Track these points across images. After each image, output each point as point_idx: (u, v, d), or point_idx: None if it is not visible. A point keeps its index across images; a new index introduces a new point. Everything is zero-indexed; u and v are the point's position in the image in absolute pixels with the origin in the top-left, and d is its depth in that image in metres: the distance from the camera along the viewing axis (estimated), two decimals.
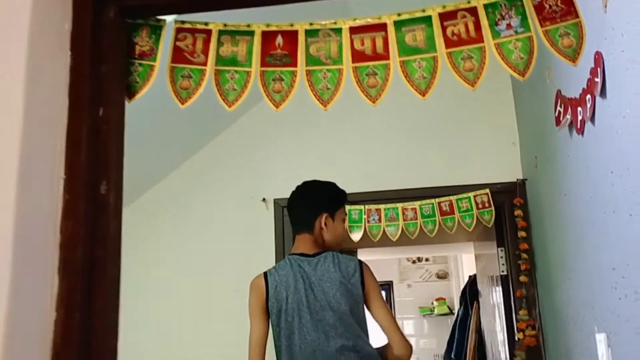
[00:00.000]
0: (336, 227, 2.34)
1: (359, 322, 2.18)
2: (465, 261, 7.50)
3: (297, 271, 2.21)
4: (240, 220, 3.69)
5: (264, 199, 3.66)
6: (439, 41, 1.37)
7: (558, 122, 2.50)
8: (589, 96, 2.12)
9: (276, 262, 3.53)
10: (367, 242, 3.52)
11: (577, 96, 2.25)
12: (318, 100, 1.41)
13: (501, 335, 3.68)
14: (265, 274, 2.29)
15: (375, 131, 3.73)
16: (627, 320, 1.81)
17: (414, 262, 9.08)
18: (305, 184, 2.41)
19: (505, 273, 3.46)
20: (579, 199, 2.32)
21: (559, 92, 2.49)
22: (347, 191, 2.45)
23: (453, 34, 1.37)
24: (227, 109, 1.42)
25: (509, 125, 3.58)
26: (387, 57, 1.39)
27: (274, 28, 1.46)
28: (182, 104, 1.45)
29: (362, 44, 1.42)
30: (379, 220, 3.46)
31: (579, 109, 2.22)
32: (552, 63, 2.63)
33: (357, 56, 1.42)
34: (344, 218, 2.39)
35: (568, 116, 2.35)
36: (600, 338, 2.08)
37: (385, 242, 3.51)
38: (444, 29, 1.38)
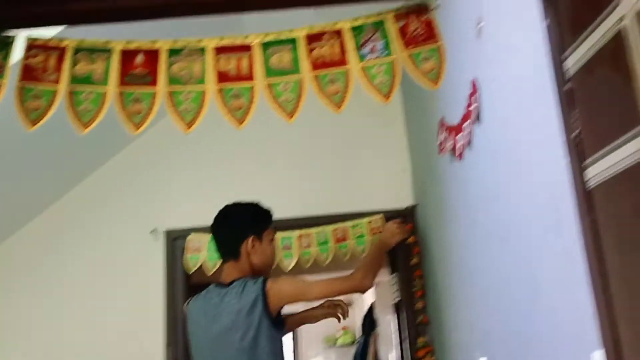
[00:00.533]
0: (265, 249, 2.16)
1: (256, 357, 1.98)
2: None
3: (206, 304, 2.07)
4: (128, 254, 3.51)
5: (153, 230, 3.51)
6: (305, 64, 1.35)
7: (441, 149, 2.54)
8: (467, 122, 2.16)
9: (166, 300, 3.40)
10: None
11: (458, 122, 2.30)
12: (180, 122, 1.35)
13: None
14: (187, 304, 2.16)
15: (272, 160, 3.69)
16: (502, 342, 1.82)
17: None
18: (227, 207, 2.21)
19: (399, 299, 3.46)
20: (459, 224, 2.36)
21: (442, 119, 2.54)
22: None
23: (319, 56, 1.35)
24: (81, 131, 1.33)
25: (400, 153, 3.63)
26: (251, 78, 1.35)
27: (134, 46, 1.39)
28: (33, 125, 1.34)
29: (228, 65, 1.37)
30: None
31: (459, 135, 2.26)
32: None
33: (222, 77, 1.37)
34: (272, 238, 2.24)
35: (449, 143, 2.39)
36: None
37: (278, 271, 3.44)
38: (310, 51, 1.35)
